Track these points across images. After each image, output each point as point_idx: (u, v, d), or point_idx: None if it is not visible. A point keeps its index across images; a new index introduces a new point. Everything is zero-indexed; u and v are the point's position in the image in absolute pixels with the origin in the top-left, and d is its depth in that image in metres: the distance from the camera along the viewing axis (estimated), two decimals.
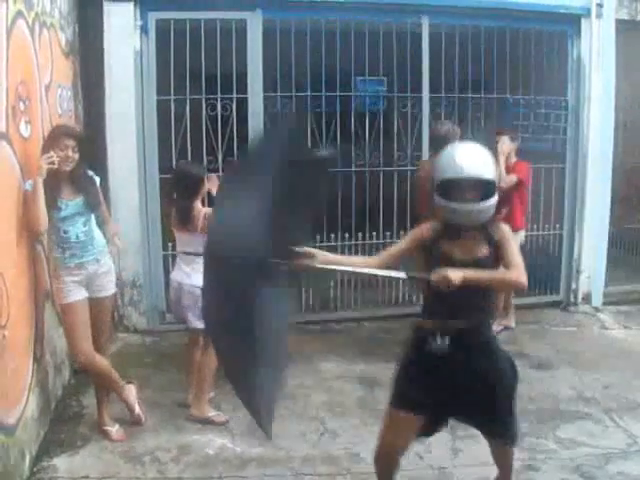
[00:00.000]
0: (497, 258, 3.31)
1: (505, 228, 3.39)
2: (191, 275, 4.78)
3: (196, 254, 4.54)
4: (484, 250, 3.31)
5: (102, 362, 4.61)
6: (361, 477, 4.16)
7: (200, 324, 4.83)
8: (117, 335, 6.46)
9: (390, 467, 3.64)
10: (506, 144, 6.30)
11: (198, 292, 4.78)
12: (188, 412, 4.94)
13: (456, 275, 3.08)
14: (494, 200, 3.25)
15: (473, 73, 6.99)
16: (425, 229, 3.44)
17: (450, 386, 3.34)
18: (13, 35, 4.08)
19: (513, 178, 6.24)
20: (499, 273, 3.31)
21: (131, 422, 4.78)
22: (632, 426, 4.82)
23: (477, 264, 3.26)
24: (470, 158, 3.26)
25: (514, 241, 3.39)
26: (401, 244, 3.53)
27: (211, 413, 4.93)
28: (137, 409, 4.80)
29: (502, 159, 6.18)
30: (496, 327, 6.15)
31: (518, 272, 3.24)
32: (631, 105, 8.16)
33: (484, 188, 3.22)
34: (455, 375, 3.33)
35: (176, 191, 4.92)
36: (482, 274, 3.24)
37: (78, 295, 4.43)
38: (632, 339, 6.69)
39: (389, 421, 3.55)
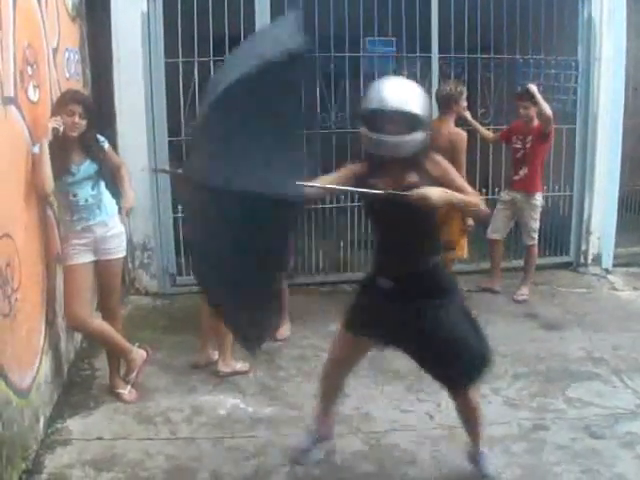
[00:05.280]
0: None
1: (443, 162, 3.40)
2: None
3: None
4: (412, 179, 3.30)
5: (100, 326, 4.60)
6: (372, 436, 4.22)
7: None
8: (128, 298, 6.49)
9: (334, 386, 3.87)
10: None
11: None
12: (216, 371, 4.99)
13: (434, 192, 3.14)
14: (420, 135, 3.24)
15: (482, 33, 6.91)
16: (356, 166, 3.50)
17: (393, 320, 3.41)
18: None
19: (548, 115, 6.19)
20: (467, 195, 3.33)
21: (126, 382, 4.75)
22: None
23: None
24: (395, 91, 3.27)
25: (455, 173, 3.42)
26: (334, 175, 3.50)
27: (239, 365, 5.01)
28: (132, 376, 4.71)
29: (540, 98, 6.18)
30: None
31: (476, 196, 3.47)
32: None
33: (408, 121, 3.20)
34: (398, 311, 3.39)
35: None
36: (456, 195, 3.25)
37: (82, 258, 4.42)
38: None
39: (339, 341, 3.76)
